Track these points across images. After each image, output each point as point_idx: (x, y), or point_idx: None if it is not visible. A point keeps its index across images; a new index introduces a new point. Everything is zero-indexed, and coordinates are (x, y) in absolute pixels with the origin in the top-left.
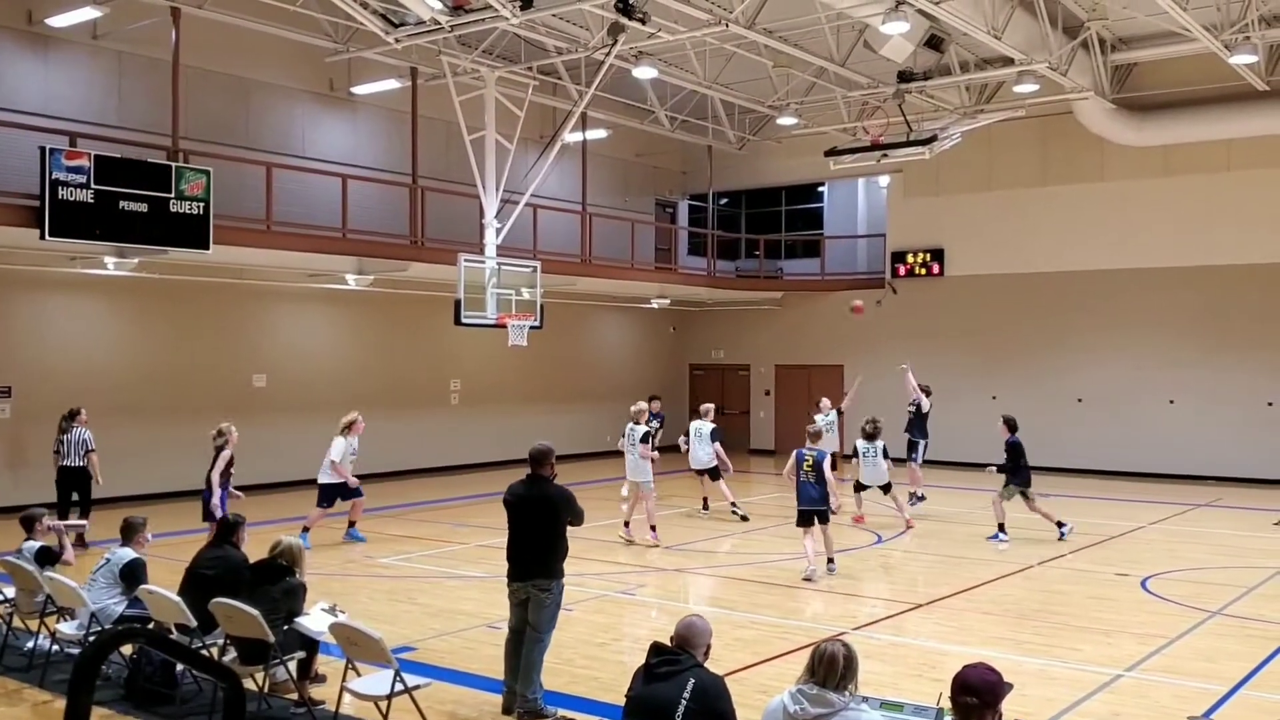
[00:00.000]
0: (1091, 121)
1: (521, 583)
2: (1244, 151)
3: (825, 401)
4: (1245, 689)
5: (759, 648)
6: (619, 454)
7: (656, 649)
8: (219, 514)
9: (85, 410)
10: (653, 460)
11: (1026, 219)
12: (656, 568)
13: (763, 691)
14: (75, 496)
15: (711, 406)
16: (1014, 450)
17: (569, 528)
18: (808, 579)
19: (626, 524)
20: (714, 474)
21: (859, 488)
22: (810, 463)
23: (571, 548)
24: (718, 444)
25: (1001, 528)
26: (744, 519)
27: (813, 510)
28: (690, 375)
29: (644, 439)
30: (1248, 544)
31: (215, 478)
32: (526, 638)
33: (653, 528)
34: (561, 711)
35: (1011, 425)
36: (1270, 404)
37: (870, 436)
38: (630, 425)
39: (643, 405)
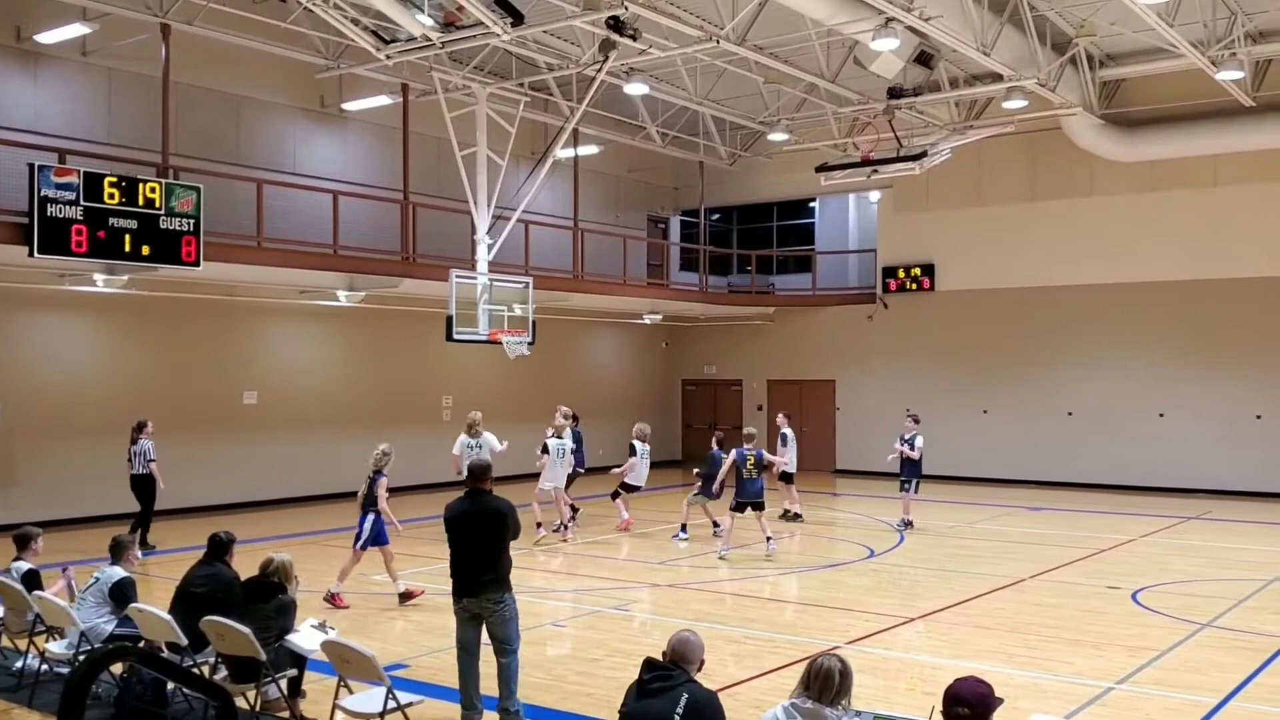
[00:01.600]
0: (1080, 137)
1: (474, 598)
2: (1231, 167)
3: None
4: (1235, 701)
5: (752, 662)
6: (608, 468)
7: (649, 664)
8: (387, 541)
9: (151, 423)
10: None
11: (1016, 234)
12: (649, 583)
13: (756, 706)
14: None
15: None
16: (712, 462)
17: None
18: (723, 558)
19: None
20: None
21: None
22: (753, 461)
23: (563, 564)
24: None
25: (683, 527)
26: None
27: (756, 501)
28: (683, 390)
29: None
30: (1237, 556)
31: (385, 504)
32: (497, 652)
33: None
34: None
35: (719, 441)
36: (1259, 417)
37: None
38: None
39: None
